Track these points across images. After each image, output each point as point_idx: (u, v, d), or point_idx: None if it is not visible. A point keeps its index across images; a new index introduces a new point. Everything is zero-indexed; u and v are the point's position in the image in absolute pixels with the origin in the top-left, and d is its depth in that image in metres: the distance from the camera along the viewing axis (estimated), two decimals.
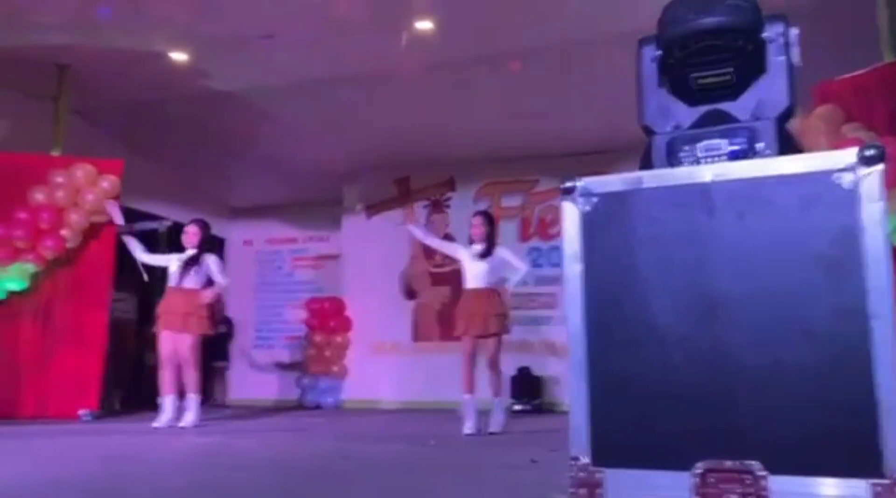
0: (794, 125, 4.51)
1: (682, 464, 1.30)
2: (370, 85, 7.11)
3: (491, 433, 5.22)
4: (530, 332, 8.72)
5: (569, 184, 1.50)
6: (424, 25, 6.20)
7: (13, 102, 6.86)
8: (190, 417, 5.82)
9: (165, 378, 5.89)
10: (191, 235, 6.14)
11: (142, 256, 6.28)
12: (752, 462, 1.27)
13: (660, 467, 1.33)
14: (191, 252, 6.08)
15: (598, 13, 5.77)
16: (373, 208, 9.61)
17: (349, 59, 6.63)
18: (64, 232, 6.47)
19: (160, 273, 6.47)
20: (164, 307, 5.96)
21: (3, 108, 6.79)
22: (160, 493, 2.72)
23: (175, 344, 5.85)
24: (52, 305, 6.58)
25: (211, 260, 6.15)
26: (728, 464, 1.28)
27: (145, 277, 6.46)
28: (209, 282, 6.09)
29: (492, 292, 5.54)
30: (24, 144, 6.66)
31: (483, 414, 5.40)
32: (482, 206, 9.17)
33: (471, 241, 5.70)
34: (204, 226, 6.30)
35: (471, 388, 5.37)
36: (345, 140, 8.49)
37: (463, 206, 9.23)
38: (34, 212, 6.39)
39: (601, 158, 8.29)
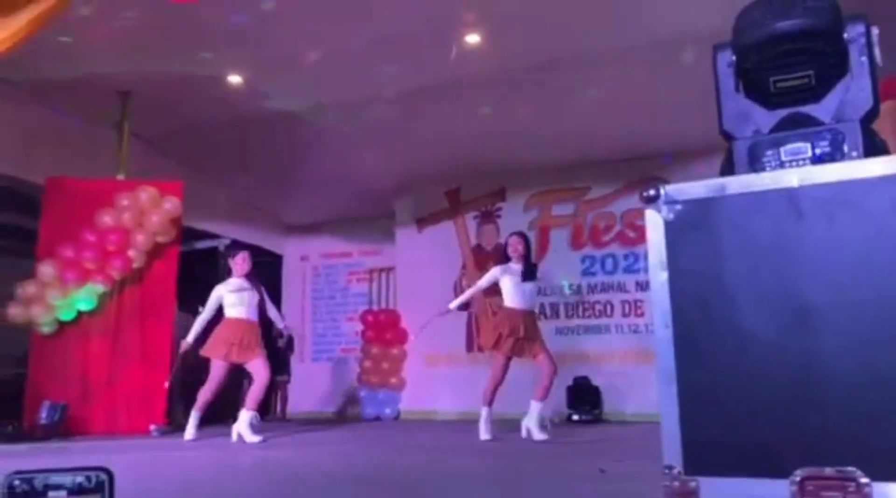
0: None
1: (778, 472, 1.29)
2: (419, 99, 7.18)
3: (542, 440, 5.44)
4: (586, 341, 8.66)
5: (651, 192, 1.50)
6: (473, 39, 6.24)
7: (79, 130, 7.12)
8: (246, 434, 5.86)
9: (206, 398, 6.05)
10: (244, 264, 6.20)
11: (201, 323, 6.21)
12: (854, 469, 1.25)
13: (755, 475, 1.32)
14: (241, 282, 6.16)
15: (644, 19, 5.74)
16: (424, 221, 9.67)
17: (398, 74, 6.71)
18: (130, 253, 6.68)
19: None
20: (226, 337, 5.98)
21: (70, 135, 7.04)
22: None
23: (232, 370, 6.05)
24: (121, 324, 6.79)
25: (262, 291, 6.27)
26: (828, 471, 1.26)
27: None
28: (260, 308, 6.20)
29: (532, 315, 5.84)
30: (90, 170, 6.90)
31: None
32: (533, 214, 9.15)
33: (507, 259, 5.88)
34: (251, 256, 6.34)
35: (491, 402, 5.72)
36: (395, 154, 8.57)
37: (514, 216, 9.22)
38: (102, 234, 6.61)
39: (653, 164, 8.22)
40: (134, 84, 6.93)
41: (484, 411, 5.70)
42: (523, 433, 5.64)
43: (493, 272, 6.01)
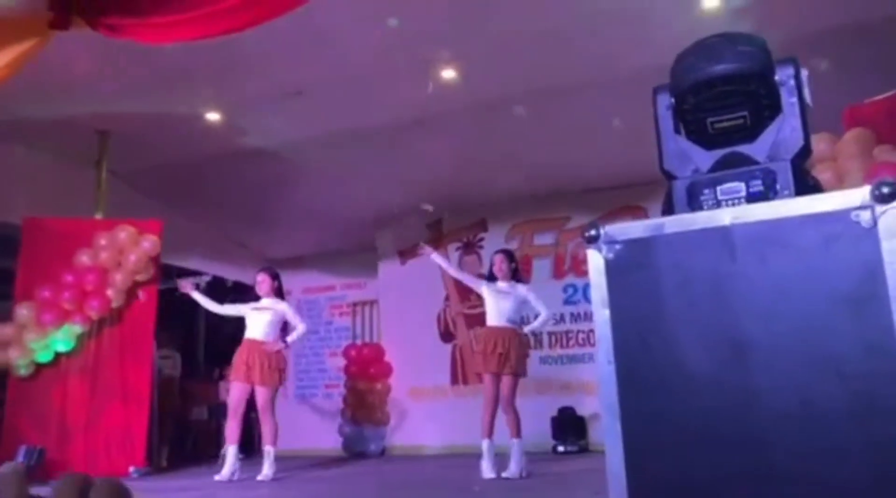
0: (824, 149, 4.48)
1: None
2: (398, 133, 7.25)
3: (506, 478, 5.12)
4: (570, 371, 8.66)
5: (592, 232, 1.54)
6: (448, 74, 6.34)
7: (57, 168, 7.14)
8: (267, 469, 5.82)
9: (231, 428, 5.95)
10: (262, 284, 6.23)
11: (216, 308, 6.37)
12: None
13: None
14: (265, 301, 6.17)
15: (618, 52, 5.85)
16: (407, 253, 9.70)
17: (376, 109, 6.78)
18: (109, 292, 6.65)
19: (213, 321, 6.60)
20: (239, 358, 5.97)
21: (48, 174, 7.05)
22: None
23: (248, 395, 5.94)
24: (99, 364, 6.73)
25: (285, 307, 6.26)
26: None
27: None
28: (282, 330, 6.18)
29: (514, 331, 5.54)
30: (67, 209, 6.90)
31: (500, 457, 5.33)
32: (514, 245, 9.20)
33: (493, 279, 5.73)
34: (275, 274, 6.38)
35: (491, 432, 5.35)
36: (376, 188, 8.63)
37: (495, 246, 9.23)
38: (80, 274, 6.59)
39: (631, 192, 8.30)
40: (112, 123, 6.97)
41: (484, 445, 5.31)
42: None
43: (478, 280, 6.02)
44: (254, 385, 5.90)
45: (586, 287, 8.82)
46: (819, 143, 4.35)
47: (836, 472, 1.27)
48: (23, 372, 6.44)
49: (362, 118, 6.98)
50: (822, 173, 4.22)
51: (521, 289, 5.71)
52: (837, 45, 5.28)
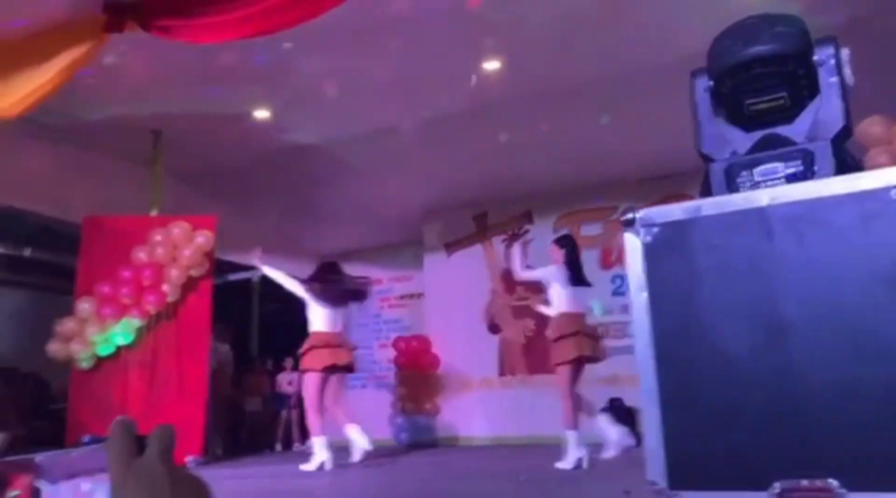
0: (879, 133, 4.36)
1: (758, 484, 1.32)
2: (443, 126, 7.29)
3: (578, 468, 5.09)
4: (617, 362, 8.58)
5: (629, 215, 1.55)
6: (492, 65, 6.34)
7: (113, 168, 7.38)
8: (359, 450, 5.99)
9: (316, 420, 6.05)
10: None
11: (283, 278, 6.49)
12: (830, 480, 1.27)
13: (736, 488, 1.35)
14: None
15: (666, 38, 5.77)
16: (453, 246, 9.76)
17: (420, 103, 6.83)
18: (165, 287, 6.85)
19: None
20: (313, 350, 6.13)
21: (104, 174, 7.30)
22: None
23: (326, 384, 6.11)
24: (157, 357, 6.94)
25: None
26: (805, 483, 1.28)
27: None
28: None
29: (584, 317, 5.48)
30: (124, 207, 7.13)
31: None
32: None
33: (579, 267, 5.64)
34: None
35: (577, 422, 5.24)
36: (422, 182, 8.69)
37: (541, 238, 9.25)
38: (137, 270, 6.81)
39: (679, 180, 8.19)
40: (165, 123, 7.16)
41: (571, 436, 5.15)
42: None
43: (542, 271, 5.79)
44: (329, 375, 6.02)
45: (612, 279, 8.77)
46: (874, 127, 4.25)
47: (875, 450, 1.26)
48: (85, 365, 6.69)
49: (407, 112, 7.04)
50: (877, 157, 4.12)
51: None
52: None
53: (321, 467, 5.79)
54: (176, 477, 0.43)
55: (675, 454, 1.42)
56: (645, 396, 1.49)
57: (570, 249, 5.74)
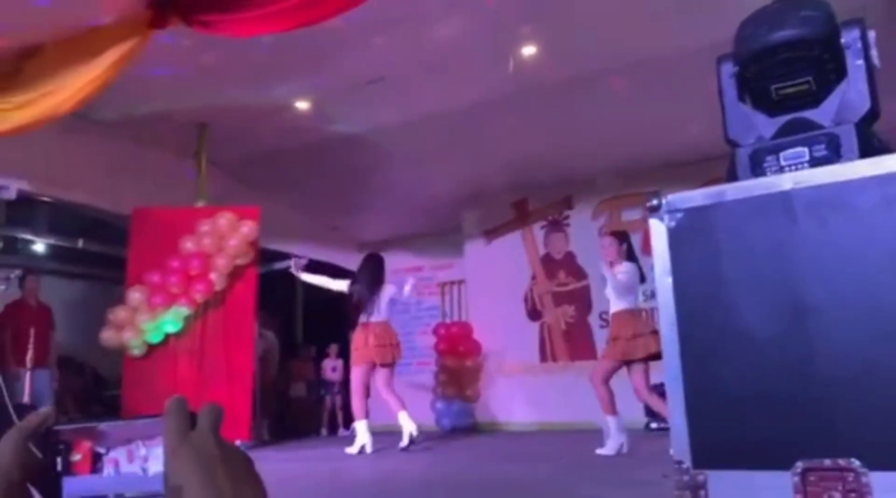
0: None
1: (781, 464, 1.34)
2: (481, 113, 7.30)
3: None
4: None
5: (654, 201, 1.57)
6: (529, 51, 6.34)
7: (160, 161, 7.59)
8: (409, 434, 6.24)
9: (359, 404, 6.41)
10: None
11: (330, 282, 6.85)
12: (852, 460, 1.29)
13: (760, 468, 1.37)
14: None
15: (705, 21, 5.69)
16: (492, 232, 9.78)
17: (459, 90, 6.85)
18: (212, 276, 7.03)
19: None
20: (356, 343, 6.56)
21: (151, 166, 7.51)
22: None
23: (369, 377, 6.45)
24: (205, 344, 7.14)
25: (389, 292, 6.69)
26: (827, 463, 1.30)
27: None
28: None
29: (631, 314, 5.49)
30: (171, 198, 7.33)
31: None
32: (601, 222, 9.13)
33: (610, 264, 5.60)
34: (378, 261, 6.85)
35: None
36: (461, 168, 8.72)
37: (581, 224, 9.24)
38: (185, 260, 6.99)
39: (723, 164, 8.08)
40: (209, 115, 7.32)
41: (611, 422, 5.25)
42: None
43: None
44: (376, 365, 6.33)
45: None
46: None
47: (893, 427, 1.28)
48: (136, 352, 6.91)
49: (446, 100, 7.07)
50: None
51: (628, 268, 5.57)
52: None
53: (362, 450, 5.96)
54: (224, 449, 0.48)
55: (699, 434, 1.45)
56: (670, 378, 1.52)
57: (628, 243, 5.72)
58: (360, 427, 6.21)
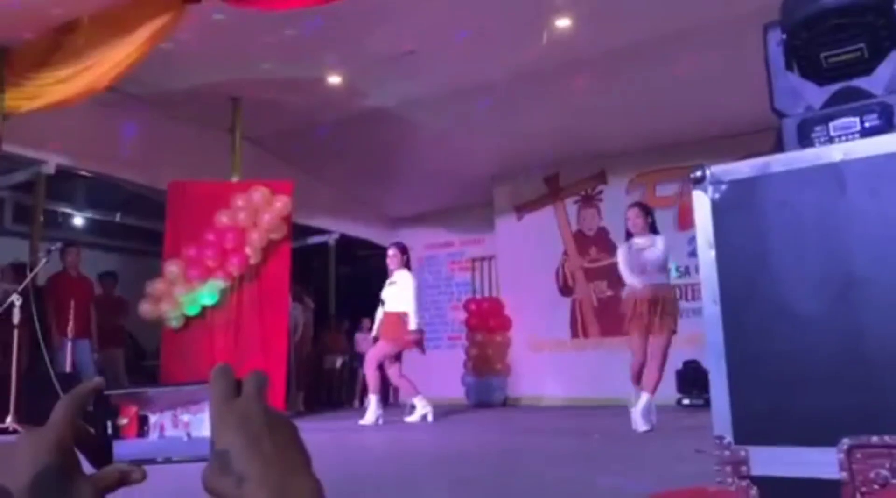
0: None
1: (826, 440, 1.32)
2: (513, 87, 7.24)
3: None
4: (693, 324, 8.44)
5: (697, 173, 1.54)
6: (563, 23, 6.25)
7: (195, 136, 7.66)
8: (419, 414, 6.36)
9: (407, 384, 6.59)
10: (391, 258, 6.78)
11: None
12: None
13: (804, 444, 1.35)
14: (392, 277, 6.72)
15: None
16: (524, 207, 9.73)
17: (491, 64, 6.80)
18: (247, 250, 7.11)
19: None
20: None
21: (187, 141, 7.58)
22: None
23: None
24: (241, 317, 7.24)
25: (410, 290, 6.62)
26: (875, 439, 1.28)
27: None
28: None
29: (659, 288, 5.31)
30: (206, 173, 7.41)
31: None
32: (635, 197, 9.01)
33: (628, 236, 5.51)
34: (403, 248, 6.91)
35: (639, 381, 5.24)
36: (493, 143, 8.67)
37: (615, 199, 9.14)
38: (220, 233, 7.08)
39: (760, 138, 7.90)
40: (243, 90, 7.37)
41: (643, 398, 5.05)
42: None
43: (621, 261, 5.56)
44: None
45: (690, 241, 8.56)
46: None
47: None
48: (174, 324, 7.04)
49: (478, 74, 7.02)
50: None
51: (660, 242, 5.40)
52: None
53: (424, 419, 6.22)
54: (270, 415, 0.48)
55: (741, 410, 1.43)
56: (711, 352, 1.50)
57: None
58: (419, 399, 6.45)
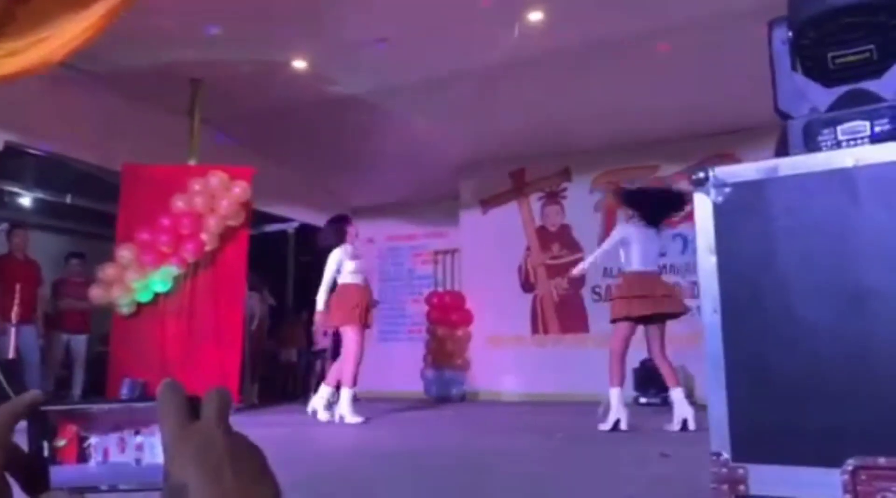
0: None
1: (830, 460, 1.26)
2: (482, 80, 7.16)
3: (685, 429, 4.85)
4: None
5: (700, 174, 1.47)
6: (535, 16, 6.17)
7: (152, 117, 7.39)
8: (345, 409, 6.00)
9: (352, 370, 6.11)
10: (353, 233, 6.58)
11: (325, 290, 6.42)
12: None
13: (807, 463, 1.29)
14: (357, 249, 6.51)
15: None
16: (489, 202, 9.67)
17: (460, 56, 6.70)
18: (203, 236, 6.90)
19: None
20: (351, 302, 6.19)
21: (144, 122, 7.31)
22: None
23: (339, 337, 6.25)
24: (195, 305, 7.03)
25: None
26: (882, 461, 1.22)
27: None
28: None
29: (660, 276, 5.32)
30: (163, 156, 7.15)
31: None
32: (599, 195, 9.03)
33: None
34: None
35: (622, 380, 5.13)
36: (460, 136, 8.58)
37: (579, 197, 9.16)
38: (176, 218, 6.85)
39: (724, 139, 8.00)
40: (204, 71, 7.12)
41: (613, 393, 4.95)
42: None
43: (619, 228, 5.52)
44: (365, 328, 6.14)
45: (673, 238, 8.61)
46: None
47: None
48: (125, 310, 6.80)
49: (446, 65, 6.91)
50: None
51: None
52: None
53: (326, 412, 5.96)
54: (233, 443, 0.40)
55: (741, 425, 1.36)
56: (711, 363, 1.43)
57: (630, 197, 5.54)
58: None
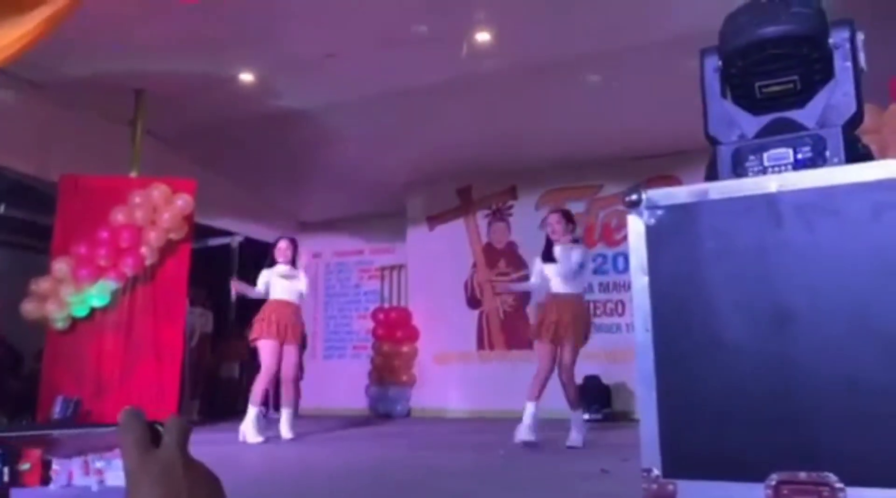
0: (868, 121, 4.38)
1: (755, 475, 1.30)
2: (430, 97, 7.20)
3: (570, 447, 5.04)
4: (597, 339, 8.61)
5: (633, 196, 1.51)
6: (483, 37, 6.26)
7: (93, 127, 7.21)
8: (286, 429, 5.97)
9: (260, 389, 6.05)
10: (284, 250, 6.41)
11: (255, 292, 6.44)
12: (828, 474, 1.26)
13: (733, 479, 1.33)
14: (287, 268, 6.34)
15: (653, 17, 5.73)
16: (436, 219, 9.70)
17: (408, 73, 6.73)
18: (143, 250, 6.74)
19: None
20: (269, 317, 6.13)
21: (84, 132, 7.12)
22: None
23: (280, 355, 6.07)
24: (133, 320, 6.85)
25: (303, 283, 6.41)
26: (803, 476, 1.27)
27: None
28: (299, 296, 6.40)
29: (573, 298, 5.29)
30: (103, 167, 6.97)
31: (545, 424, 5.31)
32: (544, 212, 9.14)
33: (549, 244, 5.41)
34: (295, 242, 6.63)
35: (538, 396, 5.18)
36: (407, 152, 8.61)
37: (525, 214, 9.25)
38: (115, 231, 6.68)
39: (666, 161, 8.20)
40: (148, 82, 6.99)
41: (528, 408, 5.03)
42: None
43: (534, 269, 5.57)
44: (283, 344, 6.02)
45: (616, 257, 8.78)
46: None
47: (876, 445, 1.25)
48: (60, 325, 6.58)
49: (394, 82, 6.93)
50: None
51: (577, 252, 5.30)
52: (887, 12, 5.11)
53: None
54: (192, 471, 0.41)
55: (671, 442, 1.40)
56: (642, 381, 1.46)
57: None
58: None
